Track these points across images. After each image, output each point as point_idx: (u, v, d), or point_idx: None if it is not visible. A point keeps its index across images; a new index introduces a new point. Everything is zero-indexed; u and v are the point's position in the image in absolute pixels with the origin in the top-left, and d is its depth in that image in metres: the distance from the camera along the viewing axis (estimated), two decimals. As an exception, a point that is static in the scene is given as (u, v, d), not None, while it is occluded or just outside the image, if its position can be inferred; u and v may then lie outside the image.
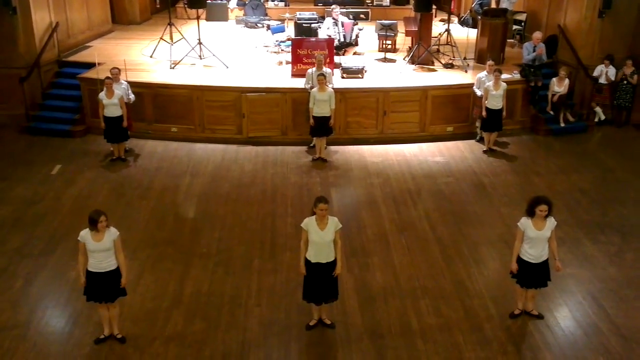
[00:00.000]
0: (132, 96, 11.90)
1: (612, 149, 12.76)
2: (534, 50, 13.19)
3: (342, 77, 13.13)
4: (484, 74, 12.34)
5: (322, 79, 11.21)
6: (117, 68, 11.71)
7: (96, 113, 12.77)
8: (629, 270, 8.58)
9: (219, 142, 12.70)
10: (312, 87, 11.56)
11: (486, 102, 11.84)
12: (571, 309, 7.76)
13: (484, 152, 12.35)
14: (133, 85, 12.74)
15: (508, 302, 7.84)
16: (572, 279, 8.36)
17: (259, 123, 12.71)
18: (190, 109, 12.76)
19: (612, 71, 13.46)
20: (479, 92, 12.33)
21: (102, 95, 11.16)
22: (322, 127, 11.51)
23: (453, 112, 13.05)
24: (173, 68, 13.64)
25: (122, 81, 11.76)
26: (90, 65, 13.71)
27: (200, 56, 14.15)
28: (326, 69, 12.08)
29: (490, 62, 12.40)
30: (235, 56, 14.66)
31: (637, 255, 8.95)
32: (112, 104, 11.16)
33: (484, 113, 11.97)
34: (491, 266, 8.72)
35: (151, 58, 14.38)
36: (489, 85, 11.78)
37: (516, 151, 12.50)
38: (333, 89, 11.71)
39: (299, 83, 12.74)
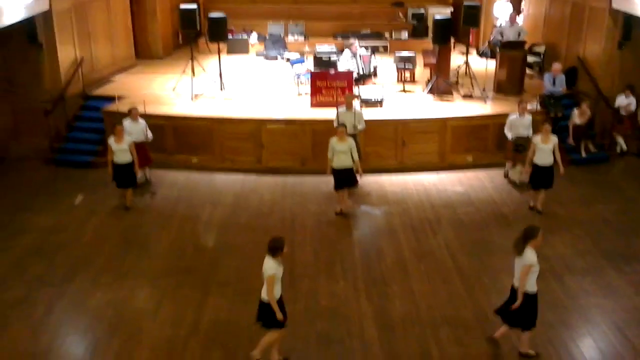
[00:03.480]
0: (149, 134, 11.80)
1: (635, 179, 12.60)
2: (553, 82, 13.20)
3: (361, 108, 13.20)
4: (515, 115, 11.72)
5: (343, 130, 10.38)
6: (136, 108, 11.75)
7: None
8: (655, 300, 8.40)
9: (239, 172, 12.79)
10: (339, 126, 10.87)
11: (534, 157, 10.48)
12: (595, 339, 7.60)
13: (530, 208, 11.02)
14: (155, 118, 12.98)
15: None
16: (596, 309, 8.21)
17: (278, 153, 12.80)
18: (210, 140, 12.90)
19: (632, 101, 13.39)
20: (509, 135, 11.76)
21: (111, 140, 10.81)
22: (344, 178, 10.63)
23: (472, 142, 13.02)
24: (194, 100, 13.84)
25: (140, 120, 11.70)
26: (113, 99, 14.00)
27: (220, 88, 14.34)
28: (357, 110, 11.78)
29: (523, 104, 11.71)
30: (255, 87, 14.84)
31: (664, 285, 8.78)
32: (121, 150, 10.80)
33: (527, 168, 10.69)
34: (513, 296, 8.58)
35: (173, 91, 14.61)
36: (536, 139, 10.44)
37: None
38: (362, 129, 11.56)
39: (318, 114, 12.87)
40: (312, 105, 13.38)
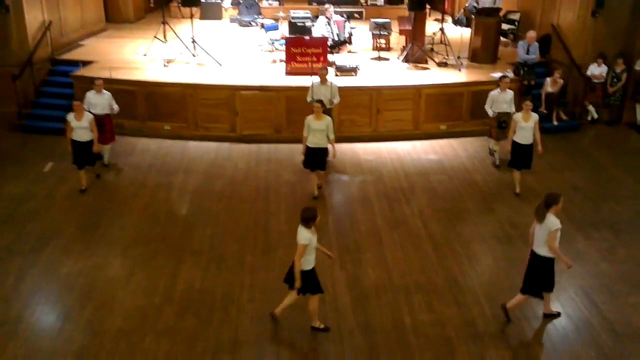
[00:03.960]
0: (115, 106, 11.12)
1: (605, 147, 12.80)
2: (527, 50, 13.24)
3: (336, 75, 13.13)
4: (496, 91, 11.26)
5: (319, 107, 9.75)
6: (101, 79, 11.19)
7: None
8: (621, 266, 8.60)
9: (212, 140, 12.67)
10: (312, 101, 10.59)
11: (514, 135, 10.23)
12: (563, 304, 7.77)
13: (516, 194, 10.54)
14: (126, 83, 12.76)
15: (501, 297, 7.83)
16: (564, 275, 8.35)
17: (253, 121, 12.69)
18: (183, 107, 12.73)
19: (604, 70, 13.51)
20: (490, 112, 11.31)
21: (70, 117, 10.09)
22: (316, 159, 10.09)
23: (446, 111, 13.06)
24: (167, 66, 13.61)
25: (105, 92, 11.00)
26: (84, 64, 13.71)
27: (193, 54, 14.12)
28: (332, 83, 11.09)
29: (505, 79, 11.29)
30: (229, 54, 14.64)
31: (629, 251, 8.98)
32: (81, 127, 10.09)
33: (508, 147, 10.46)
34: (484, 262, 8.73)
35: (145, 56, 14.35)
36: (517, 117, 10.13)
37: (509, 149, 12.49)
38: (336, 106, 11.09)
39: (293, 81, 12.77)
40: (287, 72, 13.25)
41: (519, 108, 10.66)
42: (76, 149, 10.23)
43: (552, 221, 6.94)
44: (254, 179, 11.12)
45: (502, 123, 11.21)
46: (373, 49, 15.22)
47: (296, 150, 12.10)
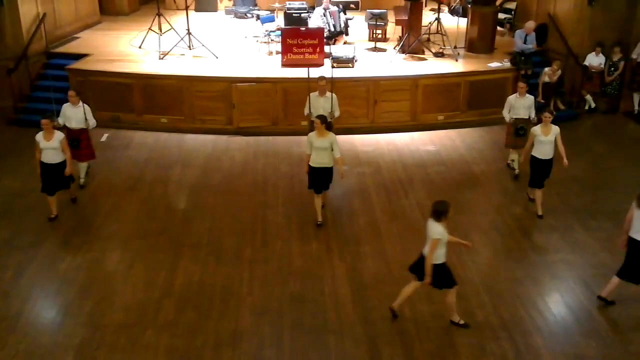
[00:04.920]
0: (92, 121, 10.07)
1: (602, 136, 12.80)
2: (525, 39, 13.21)
3: (333, 67, 13.04)
4: (514, 96, 10.57)
5: (319, 122, 8.76)
6: (74, 90, 10.16)
7: (86, 104, 12.68)
8: (620, 255, 8.56)
9: (209, 132, 12.63)
10: (309, 114, 9.94)
11: (530, 149, 9.43)
12: (563, 294, 7.79)
13: (539, 217, 9.57)
14: (122, 76, 12.69)
15: (500, 288, 7.88)
16: (563, 265, 8.40)
17: (249, 113, 12.64)
18: (179, 100, 12.68)
19: (602, 59, 13.49)
20: (507, 117, 10.60)
21: (39, 136, 8.98)
22: (321, 180, 9.16)
23: (444, 101, 13.04)
24: (162, 59, 13.54)
25: (81, 104, 9.97)
26: (78, 57, 13.63)
27: (189, 46, 14.05)
28: (332, 94, 9.99)
29: (521, 84, 10.52)
30: (225, 46, 14.57)
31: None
32: (50, 147, 8.96)
33: (522, 159, 9.75)
34: (483, 253, 8.74)
35: (140, 49, 14.27)
36: (535, 130, 9.28)
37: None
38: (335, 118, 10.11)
39: (289, 73, 12.72)
40: (283, 64, 13.19)
41: (537, 119, 9.97)
42: (46, 172, 9.10)
43: None
44: (252, 172, 11.09)
45: (520, 130, 10.48)
46: (369, 40, 15.15)
47: (293, 143, 12.11)
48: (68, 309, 7.48)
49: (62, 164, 9.15)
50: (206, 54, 13.74)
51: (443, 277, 6.97)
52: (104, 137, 12.22)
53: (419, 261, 7.04)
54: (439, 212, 6.77)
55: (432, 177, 10.91)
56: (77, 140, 9.91)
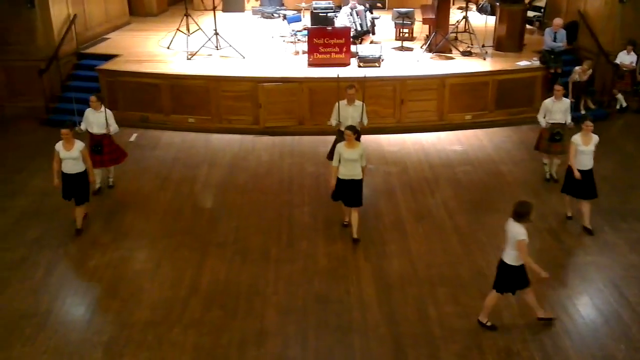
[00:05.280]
0: (114, 126, 9.86)
1: (633, 136, 12.55)
2: (554, 37, 13.03)
3: (359, 66, 13.07)
4: (550, 99, 10.15)
5: (351, 135, 8.41)
6: (96, 96, 9.89)
7: (115, 104, 12.89)
8: (651, 257, 8.45)
9: (236, 132, 12.71)
10: (338, 124, 9.51)
11: (574, 160, 8.92)
12: (592, 296, 7.67)
13: (567, 218, 9.40)
14: (151, 76, 12.84)
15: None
16: (592, 267, 8.27)
17: (276, 113, 12.69)
18: (206, 100, 12.78)
19: (633, 57, 13.24)
20: (543, 122, 10.16)
21: (58, 146, 8.74)
22: (348, 192, 8.68)
23: (471, 101, 12.93)
24: (190, 59, 13.66)
25: (103, 109, 9.77)
26: (108, 57, 13.83)
27: (216, 47, 14.15)
28: (361, 103, 9.51)
29: (557, 87, 10.09)
30: (252, 46, 14.64)
31: (660, 243, 8.82)
32: (70, 157, 8.72)
33: (576, 174, 8.88)
34: (510, 254, 8.63)
35: (168, 49, 14.42)
36: (576, 140, 8.83)
37: (535, 139, 12.31)
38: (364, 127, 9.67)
39: (316, 72, 12.74)
40: (310, 64, 13.21)
41: (575, 127, 9.61)
42: (66, 182, 8.89)
43: None
44: (278, 172, 11.13)
45: (556, 135, 10.12)
46: (396, 39, 15.09)
47: (319, 142, 12.11)
48: (96, 307, 7.60)
49: (83, 174, 8.91)
50: (233, 54, 13.83)
51: (522, 278, 6.90)
52: (133, 137, 12.39)
53: (501, 267, 6.95)
54: (521, 214, 6.71)
55: (459, 177, 10.82)
56: (100, 145, 9.85)
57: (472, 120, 12.97)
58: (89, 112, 9.85)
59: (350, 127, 8.54)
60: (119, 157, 10.31)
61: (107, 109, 9.89)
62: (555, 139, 10.18)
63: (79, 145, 8.79)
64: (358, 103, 9.54)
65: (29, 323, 7.26)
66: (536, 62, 13.29)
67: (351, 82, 10.22)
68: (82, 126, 9.83)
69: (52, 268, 8.33)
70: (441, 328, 7.15)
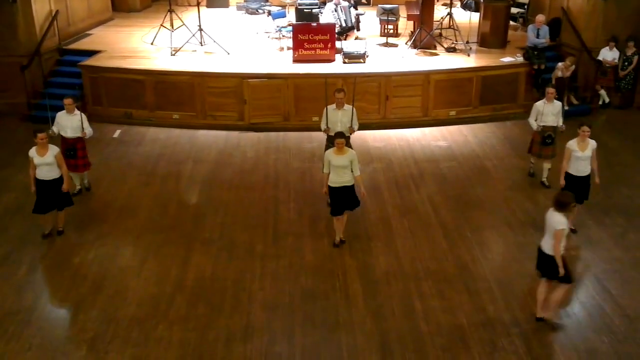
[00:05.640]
0: (89, 130, 9.59)
1: (616, 131, 12.69)
2: (537, 34, 13.13)
3: (344, 62, 13.07)
4: (542, 102, 10.04)
5: (342, 142, 8.18)
6: (71, 98, 9.55)
7: (98, 100, 12.78)
8: (634, 251, 8.55)
9: (221, 128, 12.67)
10: (326, 129, 9.34)
11: (567, 166, 8.71)
12: (575, 290, 7.74)
13: (572, 230, 8.74)
14: (134, 72, 12.74)
15: (512, 284, 7.86)
16: (576, 261, 8.35)
17: (261, 109, 12.66)
18: (191, 96, 12.72)
19: (615, 54, 13.37)
20: (534, 125, 10.01)
21: (32, 152, 8.53)
22: (344, 200, 8.48)
23: (456, 97, 12.99)
24: (174, 55, 13.59)
25: (77, 112, 9.53)
26: (91, 53, 13.71)
27: (201, 43, 14.08)
28: (351, 108, 9.25)
29: (550, 89, 9.99)
30: (236, 42, 14.59)
31: (645, 238, 8.93)
32: (45, 163, 8.49)
33: (562, 181, 8.77)
34: (495, 249, 8.71)
35: (152, 45, 14.33)
36: (572, 145, 8.60)
37: (519, 134, 12.43)
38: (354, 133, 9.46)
39: (301, 68, 12.73)
40: (295, 60, 13.19)
41: (570, 132, 9.30)
42: (41, 189, 8.63)
43: None
44: (263, 168, 11.12)
45: (547, 138, 10.03)
46: (381, 35, 15.12)
47: (305, 138, 12.13)
48: (81, 304, 7.55)
49: (59, 180, 8.64)
50: (218, 50, 13.77)
51: (554, 268, 6.92)
52: (117, 134, 12.32)
53: (540, 257, 7.02)
54: (563, 204, 6.75)
55: (444, 173, 10.88)
56: (74, 150, 9.58)
57: (456, 116, 13.03)
58: (61, 115, 9.54)
59: (340, 134, 8.33)
60: (89, 162, 9.97)
61: (81, 112, 9.59)
62: (546, 142, 10.07)
63: (53, 150, 8.55)
64: (347, 107, 9.27)
65: (13, 320, 7.20)
66: (520, 59, 13.38)
67: (340, 86, 10.19)
68: (55, 129, 9.51)
69: (36, 265, 8.27)
70: (427, 322, 7.19)
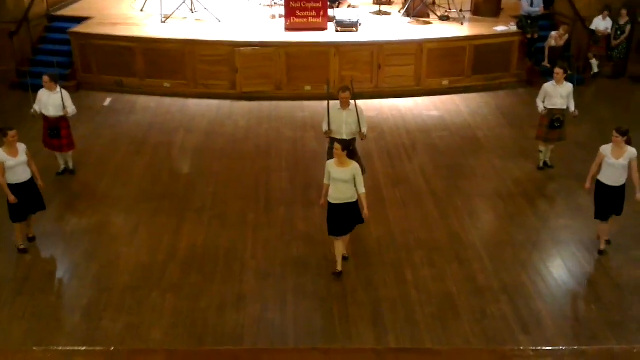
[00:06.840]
0: (71, 108, 9.14)
1: (607, 101, 12.71)
2: (531, 2, 13.04)
3: (337, 31, 12.96)
4: (551, 83, 9.40)
5: (341, 149, 7.01)
6: (49, 75, 9.07)
7: (88, 68, 12.64)
8: (623, 220, 8.57)
9: (213, 97, 12.58)
10: (328, 132, 8.28)
11: (596, 171, 7.84)
12: (564, 259, 7.84)
13: (599, 252, 7.93)
14: (124, 39, 12.59)
15: (501, 252, 7.93)
16: (565, 230, 8.43)
17: (253, 78, 12.57)
18: (182, 64, 12.60)
19: (609, 23, 13.31)
20: (541, 106, 9.41)
21: (2, 155, 7.45)
22: (344, 220, 7.26)
23: (449, 66, 12.93)
24: (164, 22, 13.41)
25: (59, 90, 9.05)
26: (80, 20, 13.51)
27: (191, 10, 13.90)
28: (358, 107, 8.14)
29: (557, 70, 9.33)
30: (228, 10, 14.41)
31: (632, 206, 8.90)
32: (21, 163, 7.53)
33: (587, 184, 8.01)
34: (485, 218, 8.78)
35: (142, 12, 14.13)
36: (604, 150, 7.65)
37: (512, 104, 12.44)
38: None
39: (293, 37, 12.61)
40: (287, 28, 13.05)
41: (604, 137, 8.43)
42: (20, 194, 7.57)
43: None
44: (255, 137, 11.09)
45: (555, 122, 9.42)
46: (374, 3, 14.96)
47: (297, 108, 12.08)
48: (74, 272, 7.58)
49: (33, 179, 7.79)
50: (209, 18, 13.60)
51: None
52: (107, 102, 12.22)
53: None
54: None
55: (436, 142, 10.89)
56: (57, 129, 9.17)
57: (449, 86, 13.00)
58: (42, 93, 9.11)
59: (342, 141, 7.29)
60: (73, 142, 9.55)
61: (62, 90, 9.15)
62: (555, 125, 9.47)
63: (22, 147, 7.63)
64: (353, 107, 8.17)
65: (6, 288, 7.22)
66: (513, 28, 13.30)
67: (345, 84, 9.18)
68: (37, 107, 9.16)
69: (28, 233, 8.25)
70: (418, 291, 7.27)
